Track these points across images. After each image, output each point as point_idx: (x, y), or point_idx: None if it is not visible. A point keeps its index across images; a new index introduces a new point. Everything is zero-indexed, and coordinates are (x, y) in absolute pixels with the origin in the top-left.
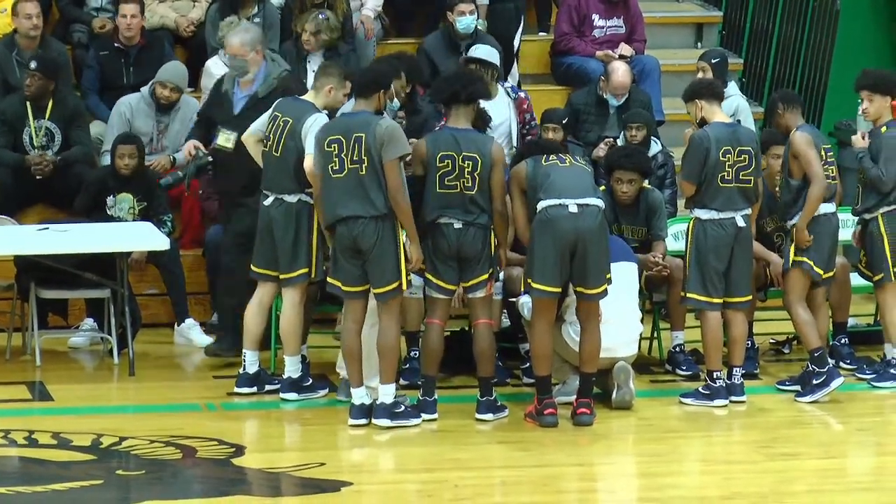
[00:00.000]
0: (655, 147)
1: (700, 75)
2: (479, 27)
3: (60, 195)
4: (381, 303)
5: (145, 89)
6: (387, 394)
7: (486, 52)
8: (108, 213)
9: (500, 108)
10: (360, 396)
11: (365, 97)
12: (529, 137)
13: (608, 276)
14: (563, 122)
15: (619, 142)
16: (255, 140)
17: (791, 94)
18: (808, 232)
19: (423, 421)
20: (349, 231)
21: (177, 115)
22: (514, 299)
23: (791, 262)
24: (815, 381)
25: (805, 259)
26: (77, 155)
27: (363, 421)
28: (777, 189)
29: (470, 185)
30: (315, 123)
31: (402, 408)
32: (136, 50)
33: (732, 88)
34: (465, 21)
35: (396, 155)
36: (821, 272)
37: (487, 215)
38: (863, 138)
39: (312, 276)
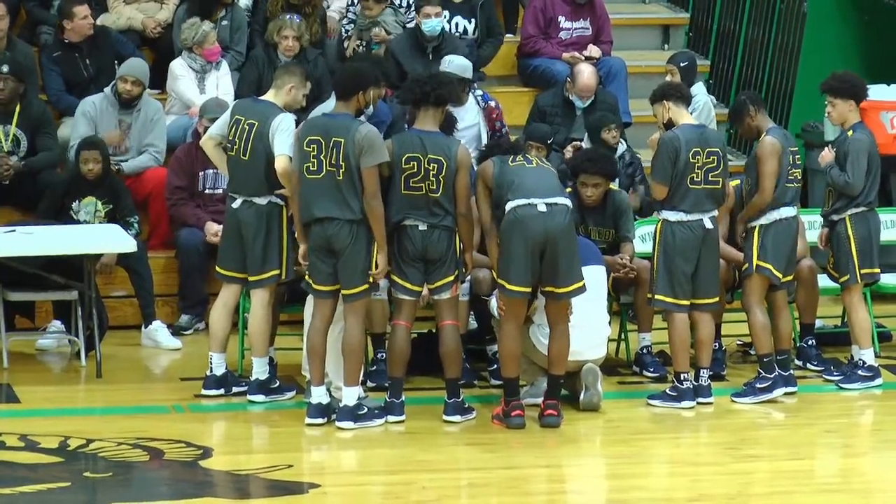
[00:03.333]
0: (621, 147)
1: (668, 78)
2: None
3: (26, 198)
4: (347, 304)
5: (108, 89)
6: (350, 396)
7: (459, 66)
8: (74, 217)
9: (469, 113)
10: (318, 395)
11: (344, 99)
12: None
13: (581, 278)
14: (549, 141)
15: (585, 144)
16: (214, 144)
17: (757, 95)
18: (767, 236)
19: (391, 423)
20: (323, 231)
21: (138, 115)
22: (486, 297)
23: (755, 266)
24: (758, 385)
25: (766, 265)
26: (43, 161)
27: (320, 420)
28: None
29: (435, 187)
30: (282, 123)
31: (365, 409)
32: (87, 43)
33: (699, 88)
34: (431, 23)
35: (375, 162)
36: (780, 276)
37: (452, 217)
38: (829, 150)
39: (283, 277)
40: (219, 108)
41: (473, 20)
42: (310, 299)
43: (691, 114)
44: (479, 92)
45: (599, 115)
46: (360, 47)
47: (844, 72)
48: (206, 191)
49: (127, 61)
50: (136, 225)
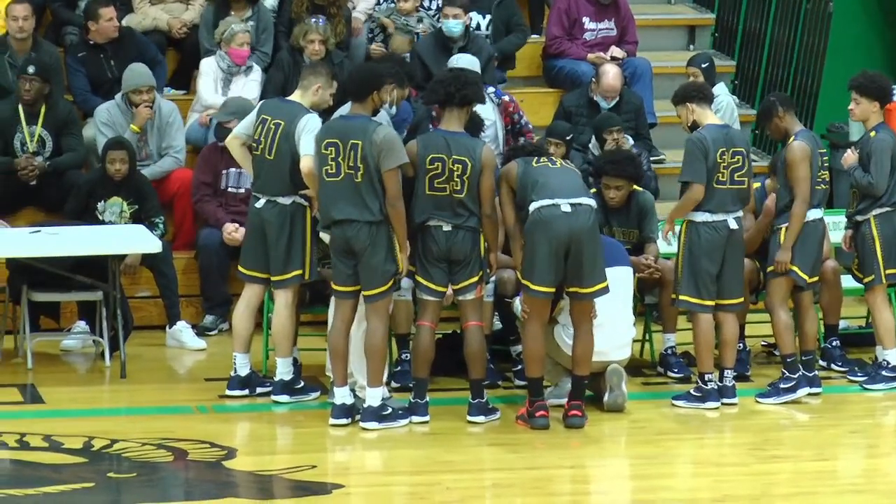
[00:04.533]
0: (627, 142)
1: (689, 80)
2: (478, 29)
3: (52, 199)
4: (369, 304)
5: (118, 97)
6: (374, 396)
7: (467, 61)
8: (99, 217)
9: (485, 113)
10: (342, 396)
11: (360, 100)
12: (522, 139)
13: (605, 278)
14: (567, 138)
15: (592, 147)
16: (239, 143)
17: (787, 96)
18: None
19: (415, 423)
20: (343, 233)
21: (153, 120)
22: (509, 300)
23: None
24: (782, 386)
25: (793, 267)
26: (68, 162)
27: (344, 421)
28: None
29: (459, 188)
30: (308, 123)
31: (390, 409)
32: (112, 44)
33: (720, 89)
34: (451, 24)
35: (395, 164)
36: (806, 277)
37: (476, 218)
38: (852, 151)
39: (306, 277)
40: (232, 109)
41: (488, 16)
42: (333, 300)
43: (715, 114)
44: (490, 89)
45: (599, 118)
46: (379, 39)
47: (876, 72)
48: (229, 189)
49: (130, 72)
50: (161, 225)
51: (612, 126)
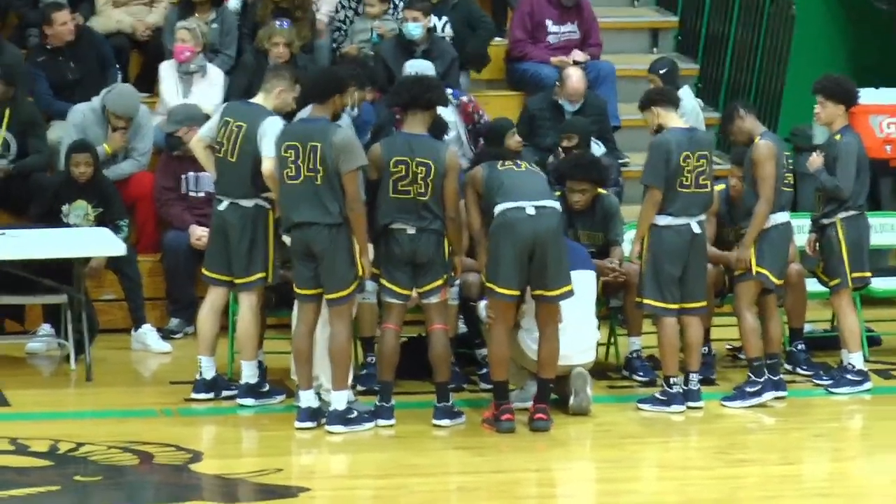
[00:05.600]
0: (598, 149)
1: (651, 86)
2: (435, 32)
3: (17, 202)
4: (331, 308)
5: (97, 103)
6: (339, 400)
7: (420, 67)
8: (64, 220)
9: (446, 116)
10: (307, 399)
11: (321, 103)
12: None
13: (570, 281)
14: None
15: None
16: (203, 146)
17: (747, 102)
18: (764, 241)
19: (380, 426)
20: (303, 235)
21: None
22: (474, 303)
23: (755, 272)
24: (748, 389)
25: (763, 270)
26: (33, 164)
27: (310, 424)
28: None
29: (423, 191)
30: (270, 126)
31: (355, 413)
32: (71, 46)
33: (685, 93)
34: (410, 27)
35: (354, 166)
36: (775, 281)
37: (441, 221)
38: (818, 154)
39: (269, 280)
40: (178, 118)
41: (444, 18)
42: (296, 303)
43: (681, 118)
44: (448, 91)
45: (563, 124)
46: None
47: (840, 75)
48: (190, 193)
49: (117, 95)
50: (125, 228)
51: (565, 132)
